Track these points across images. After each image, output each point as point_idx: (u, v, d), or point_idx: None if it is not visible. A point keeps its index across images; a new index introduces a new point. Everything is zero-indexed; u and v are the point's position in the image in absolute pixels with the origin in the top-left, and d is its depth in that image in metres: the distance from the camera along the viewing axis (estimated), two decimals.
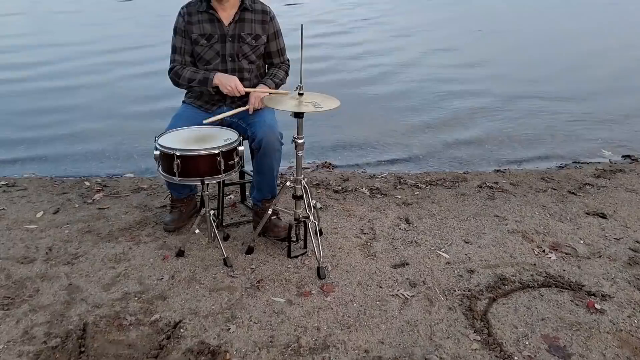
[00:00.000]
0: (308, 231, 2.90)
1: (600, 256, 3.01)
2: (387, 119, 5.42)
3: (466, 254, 3.01)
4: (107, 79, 6.41)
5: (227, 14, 2.96)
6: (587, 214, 3.48)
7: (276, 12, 3.07)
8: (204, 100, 3.07)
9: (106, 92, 6.01)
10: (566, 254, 3.02)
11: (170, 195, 3.29)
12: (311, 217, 2.84)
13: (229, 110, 2.95)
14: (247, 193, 3.50)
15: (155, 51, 7.14)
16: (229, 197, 3.62)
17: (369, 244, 3.10)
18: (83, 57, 7.41)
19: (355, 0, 8.57)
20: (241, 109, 2.93)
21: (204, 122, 2.84)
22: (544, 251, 3.03)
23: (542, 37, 8.29)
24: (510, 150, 4.78)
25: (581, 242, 3.15)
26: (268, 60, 3.15)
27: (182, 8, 2.99)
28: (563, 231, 3.26)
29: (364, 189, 3.79)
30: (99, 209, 3.45)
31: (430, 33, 8.58)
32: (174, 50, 3.02)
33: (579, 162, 4.46)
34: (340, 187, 3.81)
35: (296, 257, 2.93)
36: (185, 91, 3.15)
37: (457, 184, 3.90)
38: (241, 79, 2.95)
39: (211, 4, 2.94)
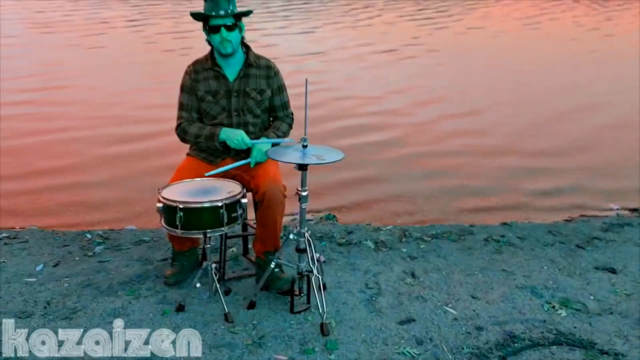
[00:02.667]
0: (311, 285, 2.84)
1: (611, 312, 2.92)
2: (392, 171, 5.41)
3: (474, 310, 2.93)
4: (112, 131, 6.47)
5: (232, 70, 3.02)
6: (597, 268, 3.41)
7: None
8: (208, 153, 3.09)
9: (110, 143, 6.05)
10: (576, 310, 2.94)
11: (171, 248, 3.25)
12: (315, 271, 2.79)
13: (231, 163, 2.97)
14: (249, 245, 3.46)
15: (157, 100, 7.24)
16: (231, 249, 3.57)
17: (374, 299, 3.03)
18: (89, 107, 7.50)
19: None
20: (242, 162, 2.94)
21: (206, 175, 2.85)
22: (553, 307, 2.95)
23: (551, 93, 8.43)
24: (516, 202, 4.74)
25: (591, 297, 3.07)
26: (272, 114, 3.19)
27: (189, 67, 3.06)
28: (573, 286, 3.18)
29: (368, 241, 3.74)
30: (100, 261, 3.41)
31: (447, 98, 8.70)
32: (181, 107, 3.07)
33: (586, 216, 4.41)
34: (344, 240, 3.76)
35: (299, 312, 2.86)
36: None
37: (463, 237, 3.85)
38: (246, 133, 2.97)
39: (216, 61, 3.00)
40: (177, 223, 2.60)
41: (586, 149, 6.08)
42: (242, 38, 3.02)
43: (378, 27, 14.00)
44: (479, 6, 19.73)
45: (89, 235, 3.80)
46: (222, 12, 2.85)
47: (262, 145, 2.96)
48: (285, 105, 3.19)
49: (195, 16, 2.95)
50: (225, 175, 2.98)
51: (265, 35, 12.44)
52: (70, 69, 9.54)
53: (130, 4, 18.38)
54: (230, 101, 3.01)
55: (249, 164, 2.97)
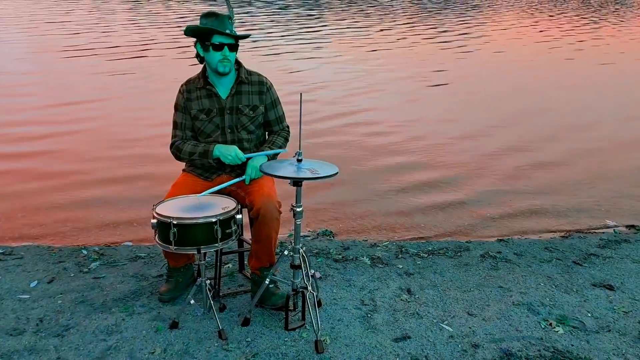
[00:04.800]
0: (306, 302, 2.82)
1: (609, 330, 2.90)
2: (388, 186, 5.41)
3: (470, 327, 2.90)
4: (110, 147, 6.47)
5: (224, 88, 3.04)
6: (594, 285, 3.39)
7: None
8: (204, 169, 3.09)
9: (108, 160, 6.05)
10: (574, 327, 2.92)
11: (167, 264, 3.24)
12: (309, 288, 2.77)
13: (227, 181, 2.98)
14: (245, 262, 3.44)
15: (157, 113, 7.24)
16: (227, 265, 3.56)
17: (369, 315, 3.01)
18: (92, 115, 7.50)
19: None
20: (237, 179, 2.95)
21: (199, 196, 2.84)
22: (550, 324, 2.93)
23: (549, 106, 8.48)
24: (512, 218, 4.73)
25: (589, 315, 3.05)
26: (267, 129, 3.20)
27: (182, 86, 3.09)
28: (570, 303, 3.16)
29: (364, 258, 3.73)
30: (95, 278, 3.39)
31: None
32: (175, 125, 3.09)
33: (582, 232, 4.39)
34: (340, 256, 3.75)
35: (294, 329, 2.84)
36: None
37: (459, 254, 3.83)
38: (241, 149, 2.99)
39: (208, 80, 3.02)
40: (171, 239, 2.59)
41: (583, 166, 6.08)
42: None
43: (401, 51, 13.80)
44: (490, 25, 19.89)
45: (84, 252, 3.79)
46: (227, 31, 2.88)
47: (257, 160, 2.96)
48: (280, 119, 3.20)
49: (196, 30, 2.93)
50: (220, 191, 2.98)
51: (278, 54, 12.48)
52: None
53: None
54: (224, 119, 3.02)
55: (244, 180, 2.98)
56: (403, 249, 3.89)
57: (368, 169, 5.88)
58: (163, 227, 2.62)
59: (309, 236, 4.23)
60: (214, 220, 2.61)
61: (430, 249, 3.92)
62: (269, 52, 12.50)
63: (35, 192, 5.19)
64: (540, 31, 17.93)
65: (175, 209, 2.70)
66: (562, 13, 24.08)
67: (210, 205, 2.75)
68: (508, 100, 9.19)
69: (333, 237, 4.26)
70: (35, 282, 3.32)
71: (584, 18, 21.89)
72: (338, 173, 2.56)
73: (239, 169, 3.05)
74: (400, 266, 3.62)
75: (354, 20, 19.91)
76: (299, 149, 2.63)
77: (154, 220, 2.66)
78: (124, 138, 6.81)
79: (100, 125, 7.37)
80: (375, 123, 7.55)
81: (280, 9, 23.16)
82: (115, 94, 8.91)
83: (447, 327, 2.90)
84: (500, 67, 11.90)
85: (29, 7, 22.60)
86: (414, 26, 18.33)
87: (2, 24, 17.19)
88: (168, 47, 12.96)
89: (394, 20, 20.08)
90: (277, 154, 3.10)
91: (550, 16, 22.65)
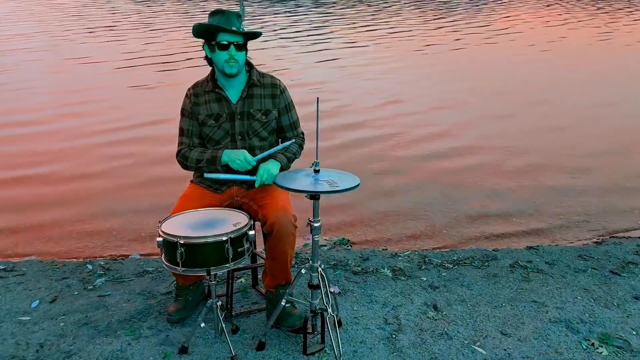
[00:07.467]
0: (326, 324, 2.60)
1: None
2: (408, 192, 5.16)
3: (505, 349, 2.66)
4: (119, 153, 6.28)
5: (234, 91, 2.81)
6: (636, 298, 3.13)
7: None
8: (213, 180, 2.87)
9: (116, 167, 5.86)
10: (618, 347, 2.67)
11: (175, 282, 3.03)
12: (329, 310, 2.55)
13: (237, 192, 2.77)
14: (259, 276, 3.22)
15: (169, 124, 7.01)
16: (239, 280, 3.34)
17: (393, 336, 2.78)
18: (96, 130, 7.29)
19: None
20: (248, 177, 2.69)
21: (206, 175, 2.66)
22: (592, 344, 2.68)
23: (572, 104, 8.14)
24: (541, 223, 4.47)
25: (634, 333, 2.80)
26: (281, 135, 2.97)
27: (189, 89, 2.86)
28: (611, 320, 2.91)
29: (385, 269, 3.50)
30: (100, 296, 3.19)
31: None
32: (182, 132, 2.87)
33: (617, 237, 4.12)
34: (360, 268, 3.52)
35: (312, 353, 2.62)
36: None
37: (487, 264, 3.59)
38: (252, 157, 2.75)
39: (217, 83, 2.80)
40: (178, 260, 2.38)
41: (612, 165, 5.79)
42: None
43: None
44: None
45: (89, 267, 3.59)
46: (234, 28, 2.65)
47: (270, 163, 2.72)
48: (295, 125, 2.97)
49: (202, 30, 2.71)
50: (231, 204, 2.76)
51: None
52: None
53: None
54: (234, 124, 2.80)
55: (254, 181, 2.72)
56: (426, 259, 3.66)
57: (384, 172, 5.63)
58: (169, 246, 2.41)
59: (325, 246, 4.01)
60: (224, 238, 2.38)
61: (455, 258, 3.68)
62: (283, 56, 12.23)
63: (40, 202, 5.02)
64: (583, 27, 17.14)
65: (182, 226, 2.48)
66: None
67: (221, 221, 2.53)
68: (556, 101, 8.60)
69: (351, 246, 4.04)
70: (37, 301, 3.13)
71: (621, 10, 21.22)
72: (359, 185, 2.34)
73: (249, 172, 2.79)
74: (424, 278, 3.38)
75: (382, 19, 19.44)
76: (316, 159, 2.40)
77: (160, 239, 2.45)
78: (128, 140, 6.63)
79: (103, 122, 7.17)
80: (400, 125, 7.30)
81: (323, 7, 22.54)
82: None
83: (479, 350, 2.67)
84: (555, 68, 10.99)
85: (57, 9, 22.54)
86: (446, 22, 17.72)
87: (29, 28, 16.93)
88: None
89: (424, 14, 19.62)
90: (291, 161, 2.87)
91: (570, 9, 22.07)
